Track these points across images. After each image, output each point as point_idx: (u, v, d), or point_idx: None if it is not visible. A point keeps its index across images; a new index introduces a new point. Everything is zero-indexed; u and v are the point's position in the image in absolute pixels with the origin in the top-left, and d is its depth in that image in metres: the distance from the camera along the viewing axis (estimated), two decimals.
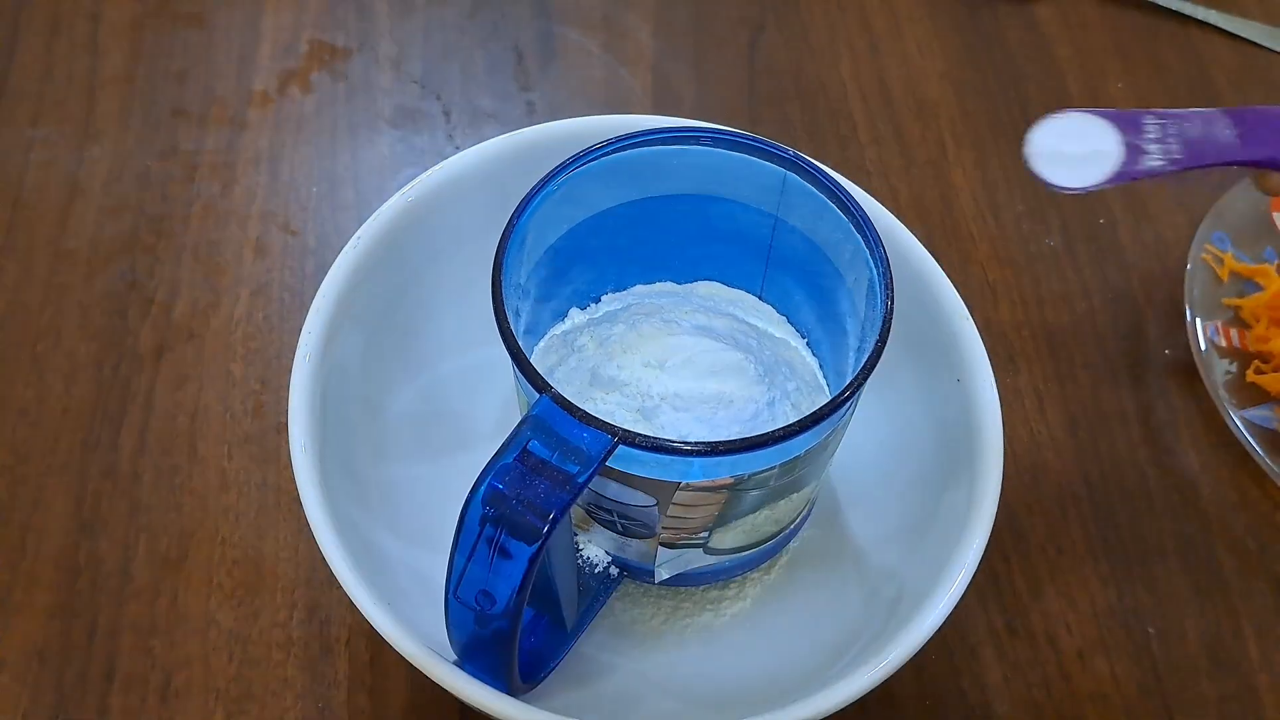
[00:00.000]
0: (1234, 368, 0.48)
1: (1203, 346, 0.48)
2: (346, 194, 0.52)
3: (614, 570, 0.38)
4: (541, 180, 0.34)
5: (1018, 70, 0.58)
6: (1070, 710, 0.41)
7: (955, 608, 0.33)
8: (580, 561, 0.38)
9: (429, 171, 0.40)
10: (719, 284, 0.41)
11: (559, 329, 0.40)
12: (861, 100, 0.57)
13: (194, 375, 0.47)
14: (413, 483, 0.40)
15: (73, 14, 0.57)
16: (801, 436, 0.30)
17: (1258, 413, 0.46)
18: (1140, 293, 0.51)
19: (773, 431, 0.30)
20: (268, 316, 0.48)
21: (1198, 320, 0.48)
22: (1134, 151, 0.31)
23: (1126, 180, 0.31)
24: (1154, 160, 0.31)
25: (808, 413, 0.36)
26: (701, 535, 0.35)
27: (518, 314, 0.35)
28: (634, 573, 0.38)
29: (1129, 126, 0.31)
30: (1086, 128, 0.31)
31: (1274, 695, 0.42)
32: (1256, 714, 0.42)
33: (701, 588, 0.40)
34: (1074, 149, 0.31)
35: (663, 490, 0.32)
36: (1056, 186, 0.32)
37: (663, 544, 0.36)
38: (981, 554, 0.34)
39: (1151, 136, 0.31)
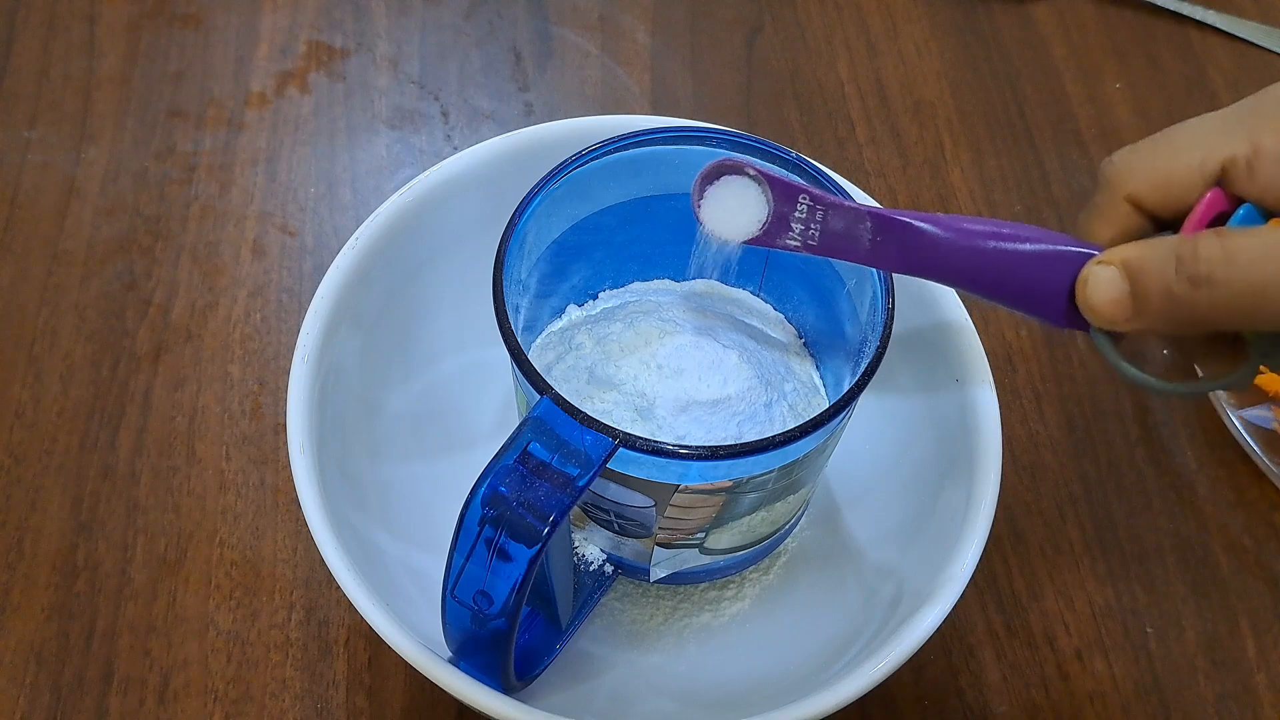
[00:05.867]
0: None
1: None
2: (344, 195, 0.52)
3: (609, 568, 0.38)
4: (546, 176, 0.34)
5: (1014, 70, 0.58)
6: (1068, 710, 0.42)
7: (954, 608, 0.33)
8: (575, 559, 0.38)
9: (427, 172, 0.40)
10: (717, 282, 0.41)
11: (556, 326, 0.40)
12: (859, 100, 0.57)
13: (192, 376, 0.46)
14: (411, 483, 0.40)
15: (69, 15, 0.57)
16: (801, 442, 0.30)
17: (1256, 412, 0.46)
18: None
19: (772, 437, 0.30)
20: (265, 317, 0.48)
21: None
22: (780, 223, 0.31)
23: (763, 246, 0.31)
24: (791, 240, 0.31)
25: (805, 414, 0.36)
26: (698, 536, 0.35)
27: (517, 310, 0.35)
28: (629, 570, 0.38)
29: (784, 197, 0.31)
30: (749, 188, 0.31)
31: (1271, 694, 0.42)
32: (1254, 712, 0.42)
33: (700, 588, 0.40)
34: (734, 199, 0.32)
35: (661, 492, 0.32)
36: (707, 229, 0.32)
37: (659, 544, 0.36)
38: (980, 554, 0.34)
39: (799, 215, 0.31)
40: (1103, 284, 0.29)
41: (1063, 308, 0.31)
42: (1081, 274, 0.30)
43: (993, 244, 0.30)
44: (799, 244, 0.32)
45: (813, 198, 0.31)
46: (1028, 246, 0.30)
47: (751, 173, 0.31)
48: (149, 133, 0.53)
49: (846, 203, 0.31)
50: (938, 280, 0.32)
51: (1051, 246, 0.30)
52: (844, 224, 0.31)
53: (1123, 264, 0.29)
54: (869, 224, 0.31)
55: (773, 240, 0.31)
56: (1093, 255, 0.30)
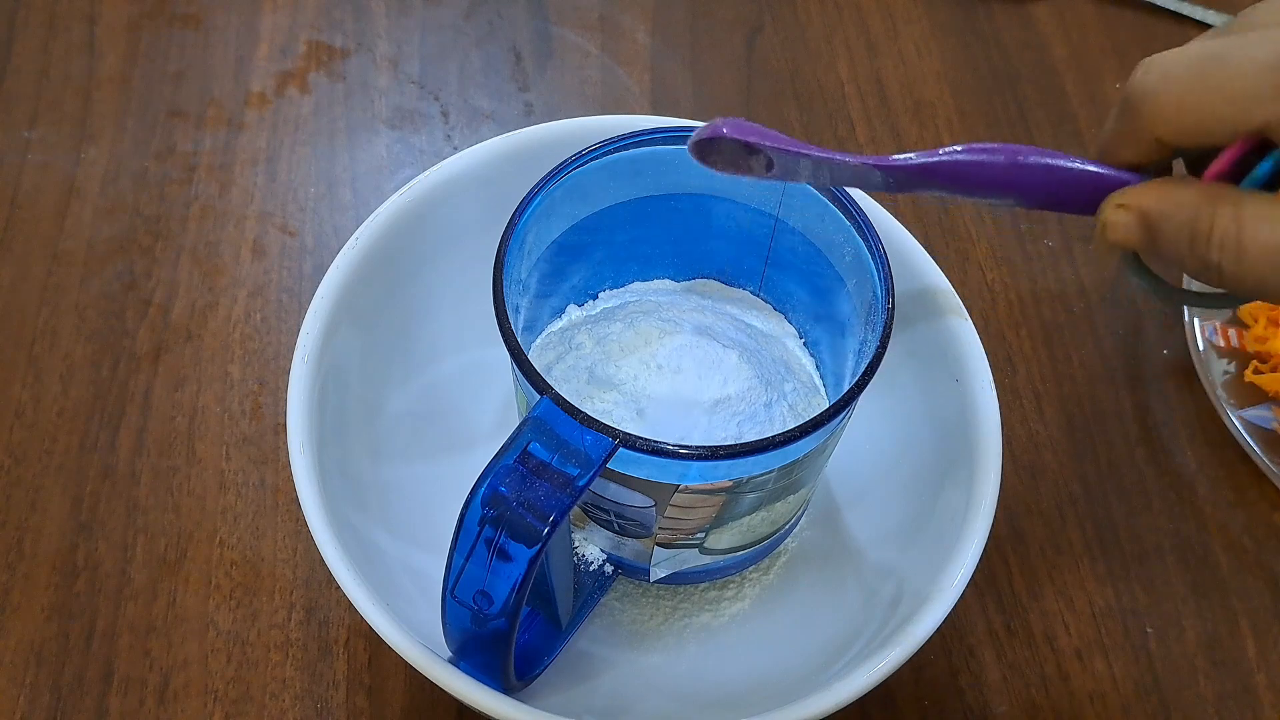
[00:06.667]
0: (1232, 367, 0.48)
1: (1201, 346, 0.48)
2: (344, 195, 0.52)
3: (609, 568, 0.38)
4: (546, 176, 0.34)
5: (1014, 70, 0.58)
6: (1068, 710, 0.42)
7: (954, 608, 0.33)
8: (575, 559, 0.38)
9: (427, 172, 0.40)
10: (717, 282, 0.41)
11: (556, 326, 0.40)
12: (859, 100, 0.57)
13: (192, 376, 0.46)
14: (411, 483, 0.40)
15: (69, 15, 0.57)
16: (801, 442, 0.30)
17: (1256, 412, 0.46)
18: (1138, 292, 0.52)
19: (772, 437, 0.30)
20: (265, 317, 0.48)
21: (1196, 320, 0.48)
22: (788, 172, 0.31)
23: (777, 180, 0.32)
24: (804, 179, 0.32)
25: (805, 414, 0.36)
26: (698, 536, 0.35)
27: (517, 310, 0.35)
28: (629, 571, 0.38)
29: (786, 158, 0.31)
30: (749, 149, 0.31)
31: (1271, 694, 0.42)
32: (1254, 713, 0.42)
33: (700, 588, 0.40)
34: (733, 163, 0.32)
35: (661, 492, 0.32)
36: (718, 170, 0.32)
37: (659, 544, 0.36)
38: (980, 554, 0.34)
39: (805, 168, 0.31)
40: (1120, 232, 0.30)
41: (1083, 212, 0.31)
42: (1101, 217, 0.30)
43: (1010, 161, 0.31)
44: (814, 185, 0.32)
45: (815, 160, 0.31)
46: (1051, 163, 0.31)
47: (742, 141, 0.31)
48: (149, 133, 0.53)
49: (851, 160, 0.31)
50: (957, 195, 0.32)
51: (1077, 167, 0.31)
52: (853, 174, 0.31)
53: (1141, 216, 0.29)
54: (879, 173, 0.31)
55: (785, 179, 0.31)
56: (1116, 184, 0.30)
